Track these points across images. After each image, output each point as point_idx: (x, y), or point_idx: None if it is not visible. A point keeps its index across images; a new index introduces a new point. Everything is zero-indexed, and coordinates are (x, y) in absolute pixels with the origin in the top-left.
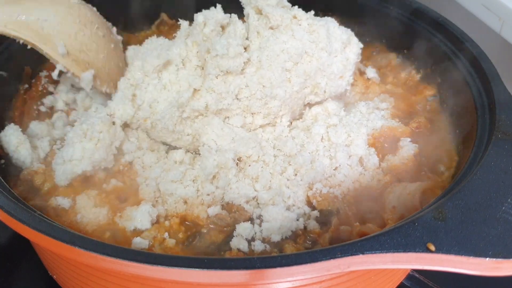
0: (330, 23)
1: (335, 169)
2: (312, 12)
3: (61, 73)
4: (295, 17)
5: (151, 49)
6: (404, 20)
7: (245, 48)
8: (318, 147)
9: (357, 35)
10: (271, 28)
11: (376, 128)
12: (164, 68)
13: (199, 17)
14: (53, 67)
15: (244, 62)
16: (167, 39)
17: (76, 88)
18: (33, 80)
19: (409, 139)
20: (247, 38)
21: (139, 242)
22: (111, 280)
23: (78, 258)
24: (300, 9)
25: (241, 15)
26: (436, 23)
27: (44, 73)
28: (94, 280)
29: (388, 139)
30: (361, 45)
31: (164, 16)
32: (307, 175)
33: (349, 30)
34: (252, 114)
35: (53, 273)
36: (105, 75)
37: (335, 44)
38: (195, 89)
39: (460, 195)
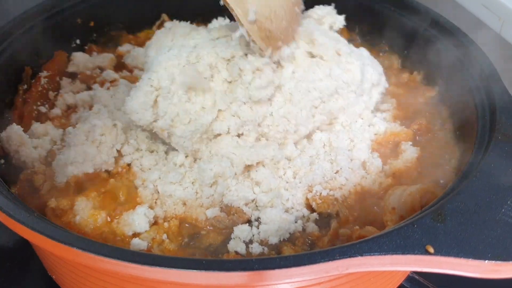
0: (365, 59)
1: (336, 172)
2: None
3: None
4: (338, 53)
5: (178, 46)
6: (406, 22)
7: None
8: (318, 152)
9: (357, 36)
10: (312, 55)
11: (380, 133)
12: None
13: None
14: (53, 68)
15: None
16: (192, 26)
17: (76, 90)
18: (33, 81)
19: (410, 142)
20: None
21: (138, 243)
22: (109, 281)
23: (76, 259)
24: (345, 41)
25: None
26: (437, 24)
27: (44, 73)
28: (93, 281)
29: (391, 143)
30: (387, 85)
31: (164, 16)
32: (306, 177)
33: (380, 67)
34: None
35: (52, 273)
36: (279, 43)
37: (365, 85)
38: (219, 110)
39: (460, 197)
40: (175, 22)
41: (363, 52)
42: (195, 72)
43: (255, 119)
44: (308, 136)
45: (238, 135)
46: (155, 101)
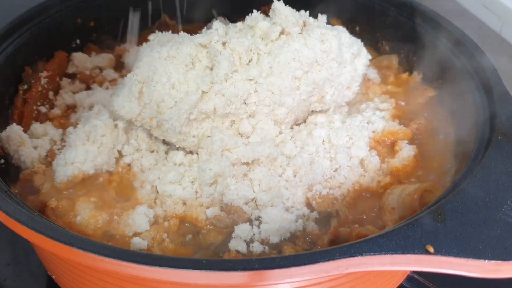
0: (341, 33)
1: (335, 170)
2: (325, 19)
3: None
4: (305, 25)
5: (161, 45)
6: (405, 21)
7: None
8: (318, 149)
9: (357, 36)
10: (283, 33)
11: (378, 131)
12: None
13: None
14: (53, 68)
15: (253, 66)
16: (175, 34)
17: (76, 90)
18: (33, 81)
19: (406, 141)
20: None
21: (138, 243)
22: (109, 280)
23: (76, 259)
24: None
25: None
26: (436, 23)
27: (44, 74)
28: (93, 281)
29: (390, 142)
30: (370, 57)
31: (165, 17)
32: (306, 176)
33: (359, 40)
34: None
35: (52, 273)
36: None
37: (345, 55)
38: (203, 92)
39: (460, 197)
40: (158, 33)
41: (339, 27)
42: (175, 64)
43: (239, 95)
44: (308, 132)
45: (230, 123)
46: (140, 92)
